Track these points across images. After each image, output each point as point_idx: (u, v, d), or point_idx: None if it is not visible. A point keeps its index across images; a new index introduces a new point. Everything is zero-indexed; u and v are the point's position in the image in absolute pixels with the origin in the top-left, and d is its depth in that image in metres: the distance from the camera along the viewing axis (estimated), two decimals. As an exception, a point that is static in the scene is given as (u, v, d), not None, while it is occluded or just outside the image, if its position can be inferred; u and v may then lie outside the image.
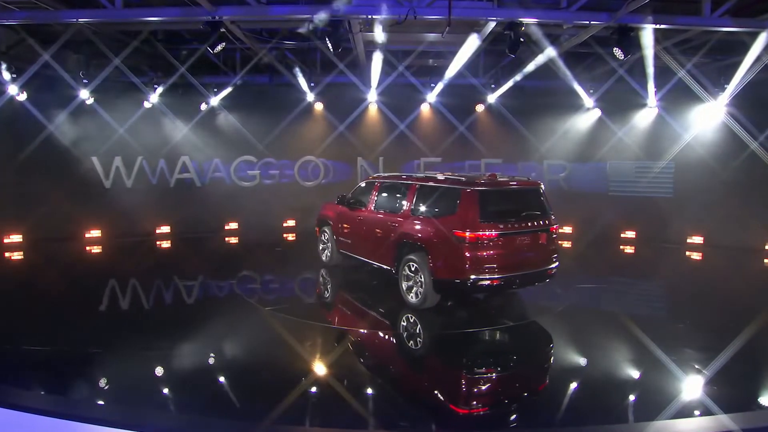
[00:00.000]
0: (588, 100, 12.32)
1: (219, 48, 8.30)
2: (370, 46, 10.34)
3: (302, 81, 12.13)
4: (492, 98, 12.72)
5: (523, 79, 11.50)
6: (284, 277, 9.19)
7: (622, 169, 12.72)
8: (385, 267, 7.21)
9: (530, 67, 10.65)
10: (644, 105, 12.07)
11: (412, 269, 6.53)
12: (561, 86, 11.96)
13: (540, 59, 10.16)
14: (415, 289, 6.55)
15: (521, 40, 8.05)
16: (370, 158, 13.57)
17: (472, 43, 9.02)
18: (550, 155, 13.25)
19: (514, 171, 13.09)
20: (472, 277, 5.95)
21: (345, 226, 8.35)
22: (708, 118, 11.27)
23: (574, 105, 12.59)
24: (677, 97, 11.40)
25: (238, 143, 12.99)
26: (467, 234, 5.93)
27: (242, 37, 9.14)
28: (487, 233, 5.98)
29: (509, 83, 11.98)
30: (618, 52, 8.22)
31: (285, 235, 12.95)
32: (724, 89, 10.74)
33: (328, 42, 8.18)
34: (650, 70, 9.89)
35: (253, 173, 13.41)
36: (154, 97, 11.89)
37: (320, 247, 9.26)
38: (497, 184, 6.54)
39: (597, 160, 12.88)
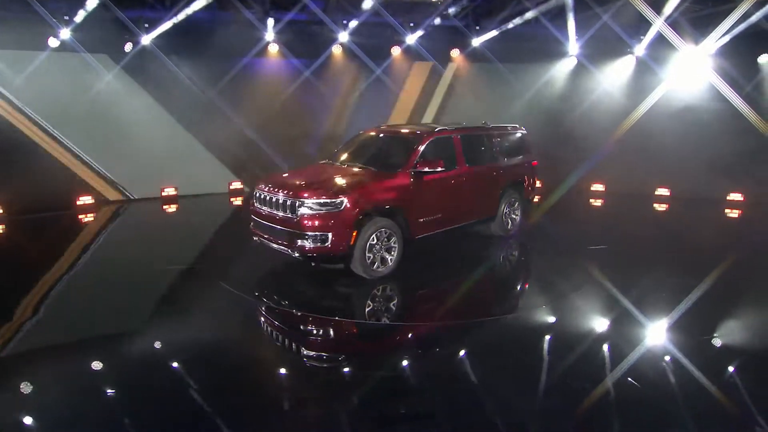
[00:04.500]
0: (574, 47, 11.53)
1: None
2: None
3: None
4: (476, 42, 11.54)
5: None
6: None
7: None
8: (482, 218, 7.47)
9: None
10: (628, 53, 11.55)
11: (512, 204, 7.83)
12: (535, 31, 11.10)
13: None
14: (511, 217, 7.87)
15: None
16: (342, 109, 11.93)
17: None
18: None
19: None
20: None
21: (432, 200, 6.43)
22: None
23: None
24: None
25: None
26: (536, 162, 8.36)
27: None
28: None
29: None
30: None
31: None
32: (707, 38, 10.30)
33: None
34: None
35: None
36: (64, 33, 9.23)
37: (367, 258, 5.75)
38: None
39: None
